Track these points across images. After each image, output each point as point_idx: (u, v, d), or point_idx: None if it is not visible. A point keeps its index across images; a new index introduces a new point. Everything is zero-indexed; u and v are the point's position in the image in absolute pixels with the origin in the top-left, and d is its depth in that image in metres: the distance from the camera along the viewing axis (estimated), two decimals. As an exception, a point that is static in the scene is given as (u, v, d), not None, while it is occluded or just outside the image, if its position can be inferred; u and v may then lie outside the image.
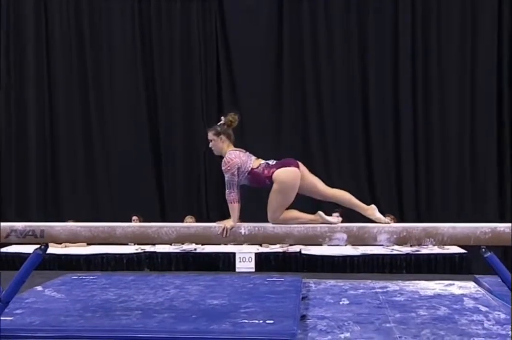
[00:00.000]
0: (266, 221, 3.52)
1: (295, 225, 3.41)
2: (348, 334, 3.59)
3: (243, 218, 3.56)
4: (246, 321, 3.68)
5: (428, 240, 3.19)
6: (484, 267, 6.80)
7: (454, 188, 7.76)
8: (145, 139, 8.23)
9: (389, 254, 6.11)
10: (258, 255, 6.20)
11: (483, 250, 3.24)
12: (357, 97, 7.96)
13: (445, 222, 3.39)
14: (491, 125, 7.67)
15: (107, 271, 6.20)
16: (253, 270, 6.13)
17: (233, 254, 6.23)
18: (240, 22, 8.02)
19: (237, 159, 3.47)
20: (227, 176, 3.47)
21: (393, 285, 4.96)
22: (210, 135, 3.61)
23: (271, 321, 3.65)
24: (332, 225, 3.37)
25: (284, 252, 6.24)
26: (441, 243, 3.21)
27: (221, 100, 8.17)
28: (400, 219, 6.73)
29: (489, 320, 3.92)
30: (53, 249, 6.09)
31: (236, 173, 3.45)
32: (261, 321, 3.66)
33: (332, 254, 6.16)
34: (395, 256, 6.08)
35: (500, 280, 5.08)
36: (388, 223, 3.34)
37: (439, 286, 4.92)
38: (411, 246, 5.85)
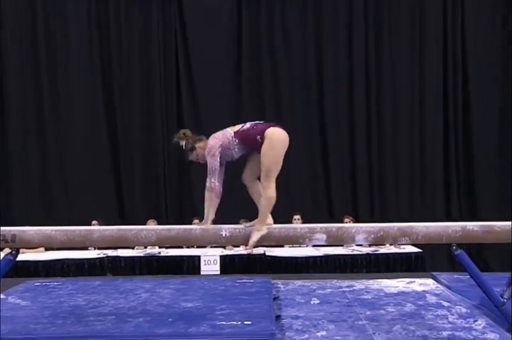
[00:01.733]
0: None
1: (276, 226, 3.42)
2: (324, 333, 3.63)
3: (224, 218, 3.53)
4: (224, 322, 3.64)
5: (403, 239, 3.28)
6: (437, 265, 7.24)
7: (405, 196, 8.06)
8: (103, 141, 8.03)
9: (350, 254, 6.23)
10: (222, 258, 6.15)
11: (454, 247, 3.37)
12: (314, 109, 8.10)
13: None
14: (437, 138, 8.01)
15: (68, 277, 5.96)
16: (218, 272, 6.08)
17: (198, 257, 6.16)
18: (199, 25, 7.98)
19: (214, 140, 3.41)
20: (208, 162, 3.35)
21: (358, 284, 5.04)
22: (191, 157, 3.50)
23: (249, 322, 3.62)
24: (312, 226, 3.39)
25: (248, 254, 6.23)
26: (416, 241, 3.31)
27: (180, 102, 8.12)
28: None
29: (452, 315, 4.06)
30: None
31: (217, 153, 3.34)
32: (239, 322, 3.62)
33: (295, 255, 6.22)
34: (355, 256, 6.20)
35: (456, 276, 5.39)
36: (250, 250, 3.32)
37: (401, 284, 5.06)
38: (390, 245, 5.97)
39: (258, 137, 3.37)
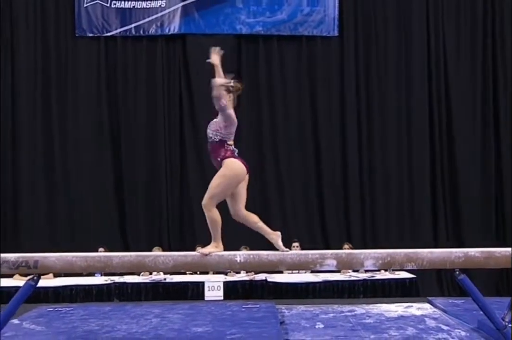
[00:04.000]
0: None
1: (289, 253, 3.43)
2: (333, 356, 3.59)
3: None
4: (236, 347, 3.60)
5: (409, 264, 3.30)
6: (428, 289, 7.23)
7: (394, 218, 8.11)
8: (108, 171, 8.01)
9: (347, 280, 6.21)
10: (226, 284, 6.09)
11: (457, 272, 3.39)
12: (309, 135, 8.18)
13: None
14: (425, 170, 8.12)
15: (76, 303, 5.83)
16: (222, 298, 6.00)
17: (202, 283, 6.08)
18: (202, 63, 8.09)
19: (235, 127, 3.49)
20: (226, 108, 3.40)
21: (359, 309, 5.01)
22: (219, 88, 3.43)
23: (260, 346, 3.59)
24: (323, 252, 3.41)
25: (250, 280, 6.18)
26: (421, 267, 3.32)
27: (183, 136, 8.16)
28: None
29: (453, 338, 4.05)
30: (17, 281, 5.68)
31: (232, 130, 3.46)
32: (251, 347, 3.59)
33: (296, 281, 6.17)
34: (353, 282, 6.18)
35: (450, 301, 5.39)
36: (287, 251, 3.43)
37: (400, 308, 5.03)
38: (385, 270, 5.96)
39: (219, 158, 3.47)
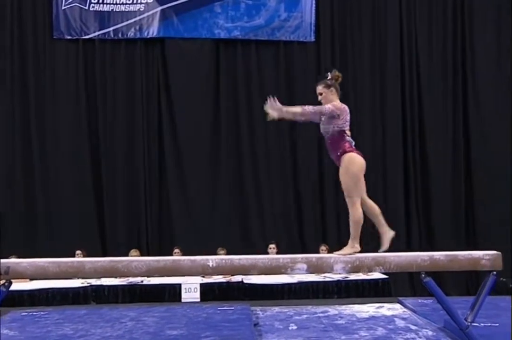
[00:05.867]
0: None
1: (259, 257, 3.45)
2: (305, 357, 3.63)
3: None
4: (209, 349, 3.61)
5: (378, 268, 3.36)
6: (400, 289, 7.34)
7: (369, 221, 8.15)
8: (87, 173, 7.93)
9: (322, 281, 6.26)
10: (203, 286, 6.09)
11: (423, 275, 3.46)
12: (286, 137, 8.20)
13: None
14: (397, 165, 8.23)
15: (52, 306, 5.76)
16: (199, 300, 5.99)
17: (179, 285, 6.07)
18: (180, 66, 8.12)
19: (344, 107, 3.60)
20: (326, 109, 3.54)
21: (332, 310, 5.07)
22: (320, 88, 3.66)
23: (233, 349, 3.61)
24: (293, 256, 3.44)
25: (227, 282, 6.19)
26: (389, 270, 3.39)
27: (162, 139, 8.13)
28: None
29: (420, 338, 4.12)
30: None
31: (347, 120, 3.57)
32: (223, 349, 3.60)
33: (271, 283, 6.21)
34: (327, 283, 6.24)
35: (420, 301, 5.48)
36: (385, 249, 3.50)
37: (371, 309, 5.10)
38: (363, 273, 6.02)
39: (339, 152, 3.59)
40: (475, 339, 3.44)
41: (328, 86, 3.65)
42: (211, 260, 3.42)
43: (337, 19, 8.30)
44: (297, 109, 3.59)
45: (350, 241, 3.50)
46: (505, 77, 8.35)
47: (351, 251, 3.43)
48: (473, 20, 8.41)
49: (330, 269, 3.39)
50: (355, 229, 3.50)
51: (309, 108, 3.55)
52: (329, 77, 3.69)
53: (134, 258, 3.55)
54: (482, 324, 4.01)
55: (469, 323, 3.51)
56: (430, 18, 8.43)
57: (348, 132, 3.65)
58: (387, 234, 3.57)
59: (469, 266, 3.40)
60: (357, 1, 8.37)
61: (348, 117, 3.65)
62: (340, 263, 3.37)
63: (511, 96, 8.27)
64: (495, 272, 3.46)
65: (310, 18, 8.17)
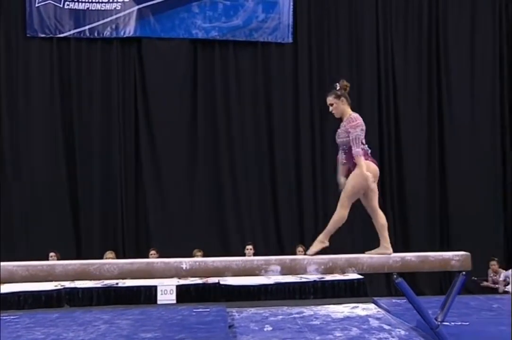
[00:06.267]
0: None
1: (233, 259, 3.44)
2: (279, 358, 3.63)
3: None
4: (183, 352, 3.58)
5: (350, 269, 3.38)
6: (375, 289, 7.41)
7: (346, 223, 8.22)
8: (62, 175, 7.80)
9: (298, 281, 6.27)
10: (179, 287, 6.04)
11: (395, 276, 3.49)
12: (264, 138, 8.23)
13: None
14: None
15: (24, 309, 5.64)
16: (175, 301, 5.94)
17: (155, 287, 6.00)
18: (157, 67, 8.05)
19: (361, 121, 3.56)
20: (356, 132, 3.49)
21: (307, 310, 5.08)
22: (331, 99, 3.64)
23: (207, 351, 3.59)
24: (267, 258, 3.44)
25: (204, 283, 6.15)
26: (362, 271, 3.41)
27: (138, 139, 8.06)
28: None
29: (393, 337, 4.17)
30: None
31: (364, 129, 3.51)
32: (197, 352, 3.58)
33: (248, 284, 6.19)
34: (304, 283, 6.25)
35: (394, 301, 5.53)
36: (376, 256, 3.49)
37: (346, 309, 5.14)
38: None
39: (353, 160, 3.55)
40: (445, 338, 3.49)
41: (338, 97, 3.65)
42: (185, 262, 3.40)
43: (314, 21, 8.35)
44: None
45: (321, 235, 3.53)
46: (479, 74, 8.52)
47: (320, 246, 3.48)
48: (447, 22, 8.56)
49: (304, 271, 3.40)
50: (333, 226, 3.53)
51: (359, 153, 3.50)
52: (338, 87, 3.68)
53: (106, 261, 3.49)
54: (452, 323, 4.08)
55: (439, 323, 3.55)
56: (406, 20, 8.57)
57: (363, 141, 3.63)
58: (382, 250, 3.55)
59: (439, 267, 3.45)
60: (335, 3, 8.45)
61: (364, 127, 3.63)
62: (314, 264, 3.38)
63: (490, 93, 8.45)
64: (464, 272, 3.51)
65: (288, 19, 8.20)
